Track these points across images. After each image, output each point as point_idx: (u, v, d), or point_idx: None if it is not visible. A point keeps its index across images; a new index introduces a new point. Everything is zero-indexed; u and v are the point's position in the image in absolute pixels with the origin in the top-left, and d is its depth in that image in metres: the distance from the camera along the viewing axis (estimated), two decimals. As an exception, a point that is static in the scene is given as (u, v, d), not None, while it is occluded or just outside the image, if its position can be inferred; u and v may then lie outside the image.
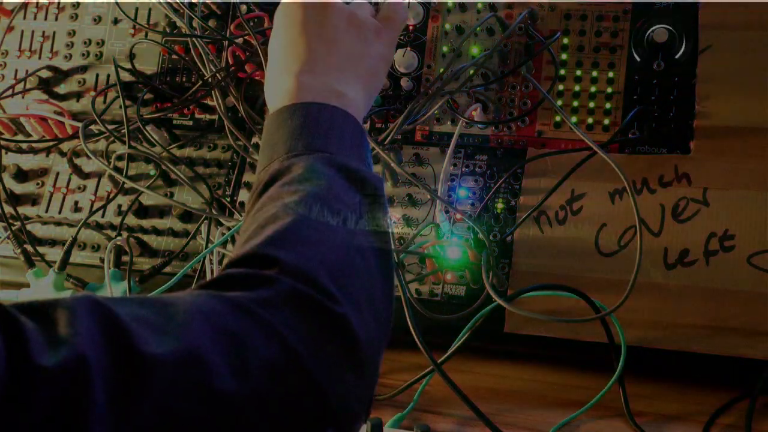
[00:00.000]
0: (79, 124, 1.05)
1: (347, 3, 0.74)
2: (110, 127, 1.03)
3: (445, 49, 1.04)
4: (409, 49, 1.03)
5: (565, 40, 1.00)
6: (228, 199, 1.04)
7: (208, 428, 0.44)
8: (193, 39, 1.02)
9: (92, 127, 1.07)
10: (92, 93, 1.13)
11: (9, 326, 0.41)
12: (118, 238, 1.02)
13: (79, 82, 1.15)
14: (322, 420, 0.49)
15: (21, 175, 1.13)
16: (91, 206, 1.09)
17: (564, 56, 1.00)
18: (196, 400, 0.43)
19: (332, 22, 0.71)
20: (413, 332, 0.86)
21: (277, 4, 0.74)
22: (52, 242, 1.09)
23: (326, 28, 0.71)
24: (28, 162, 1.14)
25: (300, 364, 0.48)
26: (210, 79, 1.02)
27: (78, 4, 1.18)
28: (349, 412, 0.51)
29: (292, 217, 0.55)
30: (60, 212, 1.10)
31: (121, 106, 1.02)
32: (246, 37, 1.03)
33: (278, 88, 0.69)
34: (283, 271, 0.51)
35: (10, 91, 1.15)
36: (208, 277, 0.97)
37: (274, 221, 0.55)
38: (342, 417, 0.50)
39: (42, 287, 1.00)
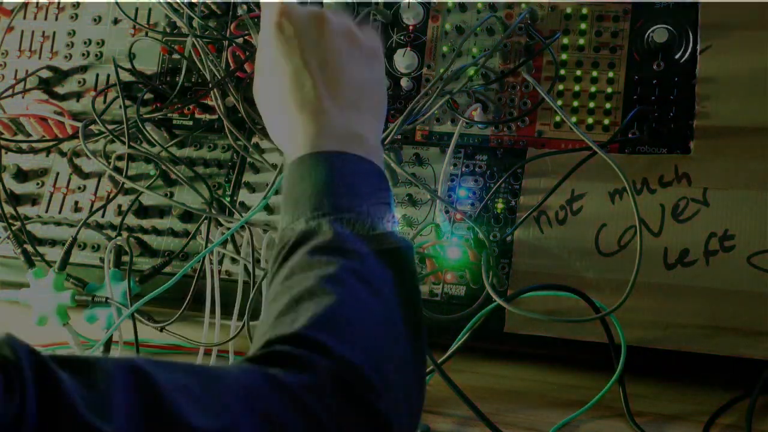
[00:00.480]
0: (79, 124, 1.05)
1: (318, 2, 0.70)
2: (110, 127, 1.03)
3: (445, 49, 1.04)
4: (409, 49, 1.03)
5: (565, 40, 1.00)
6: (228, 199, 1.04)
7: None
8: (193, 39, 1.02)
9: (92, 127, 1.07)
10: (92, 93, 1.13)
11: (46, 379, 0.41)
12: (118, 238, 1.02)
13: (79, 82, 1.15)
14: None
15: (21, 175, 1.13)
16: (91, 206, 1.09)
17: (564, 56, 1.00)
18: None
19: (334, 45, 0.66)
20: (413, 332, 0.85)
21: None
22: (52, 242, 1.09)
23: (329, 53, 0.65)
24: (28, 162, 1.14)
25: None
26: (210, 80, 1.02)
27: (78, 4, 1.18)
28: None
29: (334, 297, 0.53)
30: (60, 212, 1.10)
31: (120, 106, 1.02)
32: (246, 37, 1.03)
33: (292, 131, 0.64)
34: (331, 356, 0.50)
35: (10, 91, 1.15)
36: (208, 277, 0.97)
37: (312, 297, 0.53)
38: None
39: (42, 287, 1.00)
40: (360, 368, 0.50)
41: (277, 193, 1.02)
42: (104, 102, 1.11)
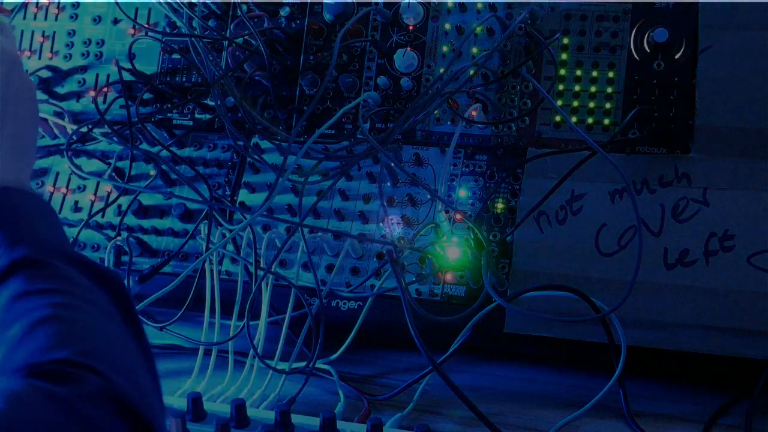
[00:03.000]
0: (79, 125, 1.05)
1: None
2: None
3: (445, 49, 1.04)
4: (409, 49, 1.02)
5: (565, 40, 1.00)
6: (228, 199, 1.04)
7: None
8: (193, 39, 1.02)
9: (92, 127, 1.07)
10: (92, 93, 1.13)
11: None
12: (118, 238, 1.02)
13: (79, 82, 1.15)
14: None
15: (21, 175, 1.13)
16: (91, 206, 1.09)
17: (564, 56, 1.00)
18: None
19: None
20: (413, 332, 0.86)
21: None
22: (52, 242, 1.09)
23: None
24: (28, 162, 1.14)
25: None
26: (210, 80, 1.02)
27: (78, 4, 1.18)
28: None
29: (70, 319, 0.54)
30: (60, 212, 1.10)
31: (121, 106, 1.02)
32: (246, 37, 1.03)
33: None
34: (89, 369, 0.50)
35: (10, 91, 1.15)
36: (208, 277, 0.97)
37: (47, 323, 0.53)
38: None
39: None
40: (105, 372, 0.50)
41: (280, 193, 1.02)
42: (104, 102, 1.11)
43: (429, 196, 0.98)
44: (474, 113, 0.99)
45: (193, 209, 1.04)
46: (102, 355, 0.52)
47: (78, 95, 1.15)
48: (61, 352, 0.51)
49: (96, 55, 1.16)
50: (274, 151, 1.03)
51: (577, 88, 0.98)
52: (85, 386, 0.49)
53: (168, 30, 1.11)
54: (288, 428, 0.79)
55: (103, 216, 1.08)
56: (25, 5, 1.20)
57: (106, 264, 1.01)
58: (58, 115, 1.13)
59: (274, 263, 0.96)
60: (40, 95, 1.15)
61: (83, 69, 1.16)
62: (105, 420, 0.49)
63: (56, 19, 1.18)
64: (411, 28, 1.05)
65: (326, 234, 0.99)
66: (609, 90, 0.97)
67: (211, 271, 0.98)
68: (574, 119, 0.97)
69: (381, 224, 0.99)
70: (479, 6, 1.03)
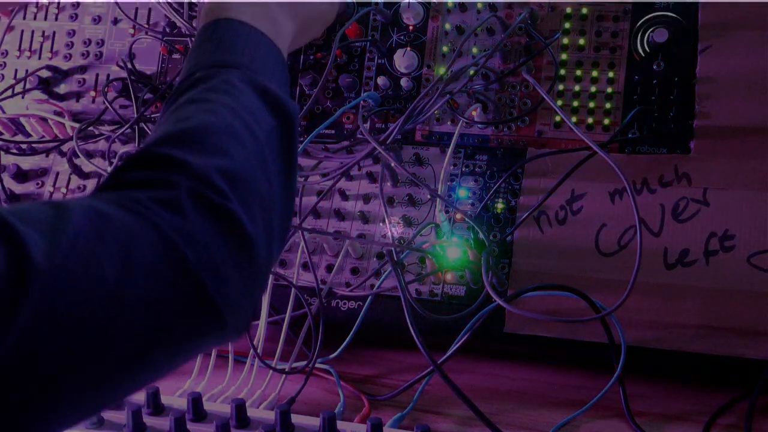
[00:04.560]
0: (79, 124, 1.05)
1: None
2: (110, 127, 1.03)
3: (445, 49, 1.04)
4: (409, 49, 1.03)
5: (565, 40, 1.00)
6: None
7: (93, 324, 0.44)
8: (193, 39, 1.02)
9: (92, 127, 1.07)
10: (92, 93, 1.13)
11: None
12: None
13: (79, 82, 1.15)
14: (206, 319, 0.50)
15: (21, 175, 1.13)
16: (91, 206, 1.09)
17: (564, 56, 1.00)
18: (79, 299, 0.44)
19: None
20: (413, 332, 0.86)
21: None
22: (52, 242, 1.09)
23: None
24: (28, 162, 1.14)
25: (186, 269, 0.48)
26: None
27: (78, 4, 1.18)
28: (233, 311, 0.51)
29: (200, 122, 0.56)
30: (60, 212, 1.10)
31: (121, 106, 1.02)
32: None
33: (214, 4, 0.69)
34: (178, 169, 0.51)
35: (10, 91, 1.15)
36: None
37: (182, 122, 0.56)
38: (227, 318, 0.51)
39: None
40: (207, 178, 0.51)
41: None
42: (104, 102, 1.11)
43: (429, 196, 0.98)
44: (474, 113, 0.99)
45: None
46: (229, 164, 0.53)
47: (78, 95, 1.15)
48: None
49: (96, 55, 1.16)
50: (274, 151, 1.03)
51: (577, 88, 0.98)
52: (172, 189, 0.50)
53: (168, 30, 1.11)
54: (288, 428, 0.79)
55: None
56: (25, 5, 1.20)
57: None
58: (59, 115, 1.13)
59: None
60: (40, 95, 1.15)
61: (83, 69, 1.16)
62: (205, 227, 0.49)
63: (56, 19, 1.18)
64: (411, 28, 1.05)
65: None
66: (609, 90, 0.97)
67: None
68: (574, 119, 0.97)
69: (381, 224, 0.99)
70: (479, 6, 1.03)
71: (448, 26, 1.04)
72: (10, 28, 1.20)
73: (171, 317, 0.48)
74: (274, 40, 0.69)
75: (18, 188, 1.13)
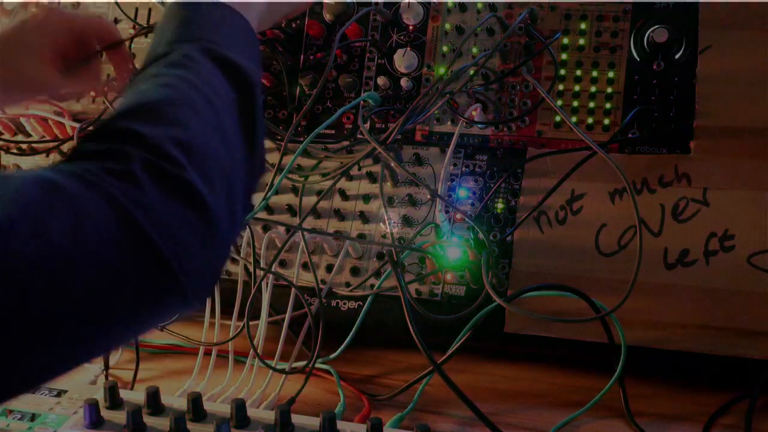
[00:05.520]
0: (79, 125, 1.05)
1: None
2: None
3: (445, 49, 1.04)
4: (409, 49, 1.03)
5: (565, 40, 1.00)
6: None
7: (45, 288, 0.44)
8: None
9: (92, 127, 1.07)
10: (92, 93, 1.13)
11: None
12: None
13: (79, 82, 1.15)
14: (164, 286, 0.50)
15: (21, 175, 1.13)
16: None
17: (564, 56, 1.00)
18: (28, 264, 0.44)
19: None
20: (413, 332, 0.85)
21: None
22: (52, 242, 1.09)
23: None
24: (28, 162, 1.14)
25: (140, 234, 0.48)
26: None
27: (78, 4, 1.18)
28: (192, 278, 0.51)
29: (156, 95, 0.56)
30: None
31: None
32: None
33: None
34: (133, 141, 0.52)
35: (10, 91, 1.15)
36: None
37: (139, 96, 0.57)
38: (186, 284, 0.51)
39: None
40: (163, 149, 0.51)
41: (277, 193, 1.02)
42: (104, 102, 1.11)
43: (429, 196, 0.98)
44: (474, 113, 0.99)
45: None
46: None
47: (78, 95, 1.15)
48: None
49: (96, 55, 1.16)
50: (275, 150, 1.03)
51: (577, 88, 0.98)
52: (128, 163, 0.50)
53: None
54: (288, 428, 0.79)
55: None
56: (25, 5, 1.19)
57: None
58: (59, 115, 1.13)
59: (274, 263, 0.96)
60: (40, 95, 1.15)
61: (83, 69, 1.16)
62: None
63: (56, 19, 1.18)
64: (411, 28, 1.05)
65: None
66: (609, 90, 0.97)
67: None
68: (574, 119, 0.97)
69: (381, 224, 0.99)
70: (479, 6, 1.03)
71: (448, 26, 1.04)
72: (10, 28, 1.19)
73: (128, 284, 0.48)
74: (240, 11, 0.68)
75: (18, 188, 1.13)
